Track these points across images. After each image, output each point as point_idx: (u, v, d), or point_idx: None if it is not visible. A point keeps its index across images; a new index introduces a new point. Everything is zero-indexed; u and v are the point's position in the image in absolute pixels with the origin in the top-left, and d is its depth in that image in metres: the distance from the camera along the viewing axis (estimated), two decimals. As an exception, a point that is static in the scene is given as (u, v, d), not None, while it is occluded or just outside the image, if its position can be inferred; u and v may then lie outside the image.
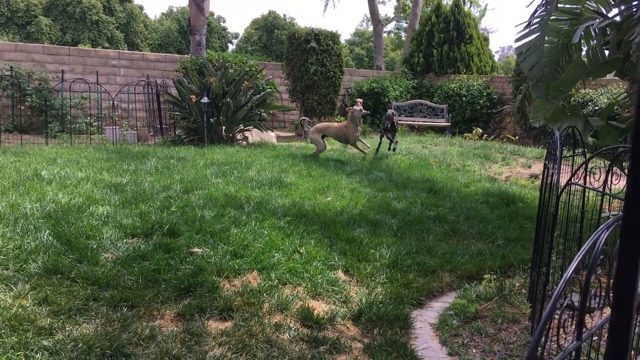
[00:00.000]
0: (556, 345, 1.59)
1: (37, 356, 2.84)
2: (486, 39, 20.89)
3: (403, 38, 44.48)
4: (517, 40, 5.36)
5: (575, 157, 4.29)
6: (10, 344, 2.91)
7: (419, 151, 11.44)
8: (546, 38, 5.16)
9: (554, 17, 5.25)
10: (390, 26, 45.87)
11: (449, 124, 17.00)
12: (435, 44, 19.70)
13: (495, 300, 4.07)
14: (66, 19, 38.60)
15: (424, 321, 3.81)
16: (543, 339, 1.18)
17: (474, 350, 3.39)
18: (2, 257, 4.03)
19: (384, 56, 29.66)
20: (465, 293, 4.20)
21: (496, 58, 31.20)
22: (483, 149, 12.04)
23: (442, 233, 5.66)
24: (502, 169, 10.00)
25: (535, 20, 5.32)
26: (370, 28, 44.60)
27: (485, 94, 17.91)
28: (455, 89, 18.15)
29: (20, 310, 3.27)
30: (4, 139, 11.62)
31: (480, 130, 15.53)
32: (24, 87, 13.67)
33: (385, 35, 40.07)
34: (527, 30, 5.30)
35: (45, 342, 2.96)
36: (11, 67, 13.78)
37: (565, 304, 1.36)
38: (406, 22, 37.98)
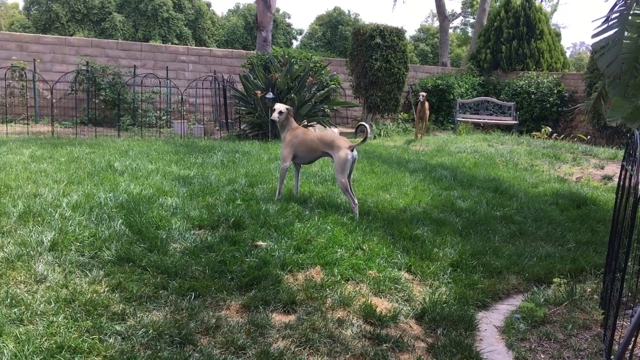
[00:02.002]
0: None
1: (110, 340, 2.95)
2: (558, 35, 20.19)
3: (469, 34, 43.61)
4: (593, 36, 5.14)
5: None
6: (85, 328, 3.04)
7: (484, 150, 11.19)
8: (625, 34, 4.92)
9: (634, 12, 5.00)
10: (457, 22, 45.08)
11: (516, 122, 16.52)
12: (503, 39, 19.18)
13: (564, 305, 3.93)
14: (138, 15, 39.98)
15: (489, 323, 3.73)
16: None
17: (542, 356, 3.29)
18: (79, 244, 4.23)
19: (449, 52, 29.16)
20: (533, 296, 4.08)
21: (568, 54, 30.09)
22: (552, 148, 11.64)
23: (509, 234, 5.51)
24: (572, 169, 9.64)
25: (614, 16, 5.08)
26: (436, 24, 43.97)
27: (555, 91, 17.31)
28: (523, 86, 17.63)
29: (94, 295, 3.41)
30: (80, 131, 12.17)
31: (550, 129, 15.02)
32: (98, 81, 14.25)
33: (451, 31, 39.38)
34: (605, 26, 5.06)
35: (118, 327, 3.08)
36: (87, 62, 14.42)
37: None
38: (473, 18, 37.21)
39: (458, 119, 16.51)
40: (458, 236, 5.29)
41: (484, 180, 7.86)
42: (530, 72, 18.24)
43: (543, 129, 14.95)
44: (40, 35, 16.17)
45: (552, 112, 17.34)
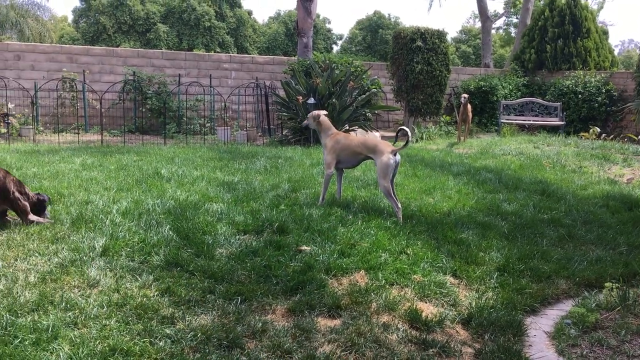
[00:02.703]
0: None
1: (160, 343, 3.03)
2: (605, 33, 19.69)
3: (513, 34, 42.84)
4: (644, 32, 5.00)
5: None
6: (136, 331, 3.13)
7: (530, 151, 10.97)
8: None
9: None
10: (499, 22, 44.38)
11: (562, 122, 16.12)
12: (548, 39, 18.77)
13: (617, 310, 3.82)
14: (182, 25, 40.84)
15: (539, 329, 3.66)
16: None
17: (594, 362, 3.21)
18: (129, 249, 4.35)
19: (492, 53, 28.72)
20: (584, 301, 3.98)
21: (616, 52, 29.20)
22: (601, 149, 11.32)
23: (557, 237, 5.39)
24: (623, 170, 9.35)
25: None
26: (478, 25, 43.34)
27: (603, 90, 16.83)
28: (570, 85, 17.21)
29: (144, 299, 3.50)
30: (128, 140, 12.50)
31: (598, 130, 14.60)
32: (145, 90, 14.62)
33: (493, 31, 38.76)
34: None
35: (167, 331, 3.15)
36: (134, 72, 14.81)
37: None
38: (516, 18, 36.54)
39: (502, 120, 16.23)
40: (504, 240, 5.20)
41: (530, 183, 7.71)
42: (576, 71, 17.79)
43: (591, 130, 14.54)
44: (89, 47, 16.71)
45: (600, 112, 16.86)
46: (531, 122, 16.61)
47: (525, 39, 19.85)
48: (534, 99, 17.16)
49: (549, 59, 18.73)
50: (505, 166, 9.17)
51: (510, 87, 18.19)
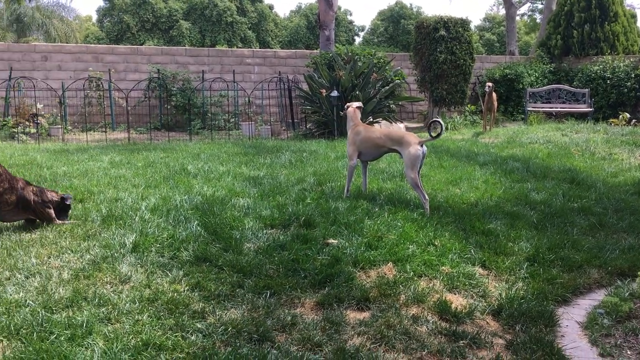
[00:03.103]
0: None
1: (192, 338, 3.07)
2: (633, 16, 19.14)
3: (538, 20, 42.14)
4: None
5: None
6: (168, 326, 3.17)
7: (558, 139, 10.79)
8: None
9: None
10: (524, 9, 43.66)
11: (591, 109, 15.81)
12: (574, 24, 18.39)
13: (651, 299, 3.75)
14: (204, 22, 41.05)
15: (571, 319, 3.61)
16: None
17: (628, 352, 3.16)
18: (159, 245, 4.41)
19: (517, 40, 28.27)
20: (617, 290, 3.91)
21: (645, 35, 28.40)
22: (632, 135, 11.07)
23: (588, 226, 5.30)
24: (655, 156, 9.15)
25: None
26: (502, 12, 42.71)
27: (633, 75, 16.43)
28: (598, 71, 16.85)
29: (175, 294, 3.55)
30: (154, 137, 12.65)
31: (628, 115, 14.29)
32: (169, 87, 14.76)
33: (518, 18, 38.12)
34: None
35: (198, 325, 3.19)
36: (158, 70, 14.96)
37: None
38: (541, 3, 35.93)
39: (528, 108, 16.00)
40: (533, 229, 5.14)
41: (559, 171, 7.59)
42: (604, 56, 17.41)
43: (621, 116, 14.24)
44: (114, 46, 16.92)
45: (629, 97, 16.48)
46: (558, 109, 16.33)
47: (550, 24, 19.47)
48: (561, 86, 16.87)
49: (575, 45, 18.36)
50: (533, 155, 9.04)
51: (537, 74, 17.89)
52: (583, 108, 16.03)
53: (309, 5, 46.44)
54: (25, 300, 3.40)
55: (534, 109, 16.01)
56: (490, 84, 13.26)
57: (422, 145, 5.69)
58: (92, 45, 18.70)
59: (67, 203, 5.05)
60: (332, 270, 4.00)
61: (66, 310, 3.31)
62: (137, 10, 39.42)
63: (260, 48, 38.88)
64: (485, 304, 3.68)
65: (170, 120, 14.99)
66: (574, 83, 17.34)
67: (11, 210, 4.78)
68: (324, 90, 12.00)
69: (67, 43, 29.77)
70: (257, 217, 5.21)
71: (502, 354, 3.09)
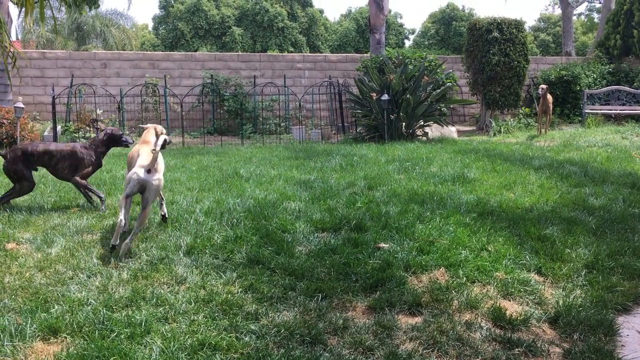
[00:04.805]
0: None
1: (246, 339, 3.12)
2: (698, 13, 18.28)
3: (596, 20, 40.83)
4: None
5: None
6: (223, 326, 3.24)
7: (617, 142, 10.43)
8: None
9: None
10: (581, 8, 42.40)
11: (653, 111, 15.21)
12: (635, 23, 17.72)
13: None
14: (255, 27, 41.64)
15: (632, 328, 3.48)
16: None
17: (694, 365, 3.02)
18: (213, 247, 4.50)
19: (573, 41, 27.45)
20: (681, 300, 3.75)
21: None
22: (697, 138, 10.59)
23: (650, 233, 5.10)
24: None
25: None
26: (557, 12, 41.62)
27: (698, 75, 15.72)
28: (660, 71, 16.19)
29: (229, 296, 3.62)
30: (207, 141, 12.92)
31: (693, 117, 13.67)
32: (222, 93, 15.05)
33: (574, 18, 37.05)
34: None
35: (252, 326, 3.24)
36: (211, 76, 15.28)
37: None
38: (600, 2, 34.78)
39: (586, 110, 15.51)
40: (592, 236, 4.98)
41: (619, 176, 7.33)
42: (667, 56, 16.73)
43: (685, 117, 13.64)
44: (169, 52, 17.39)
45: (694, 98, 15.77)
46: (618, 111, 15.76)
47: (609, 24, 18.83)
48: (620, 87, 16.28)
49: (636, 45, 17.67)
50: (591, 158, 8.77)
51: (595, 75, 17.34)
52: (644, 110, 15.42)
53: (359, 9, 46.40)
54: (88, 299, 3.54)
55: (591, 111, 15.52)
56: (544, 86, 12.94)
57: None
58: (149, 52, 19.28)
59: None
60: (383, 274, 3.99)
61: (126, 309, 3.42)
62: (190, 17, 40.35)
63: (310, 52, 39.12)
64: (541, 312, 3.59)
65: (222, 125, 15.28)
66: (635, 84, 16.72)
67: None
68: (375, 94, 11.98)
69: (123, 50, 30.75)
70: (308, 220, 5.25)
71: (559, 363, 3.01)
